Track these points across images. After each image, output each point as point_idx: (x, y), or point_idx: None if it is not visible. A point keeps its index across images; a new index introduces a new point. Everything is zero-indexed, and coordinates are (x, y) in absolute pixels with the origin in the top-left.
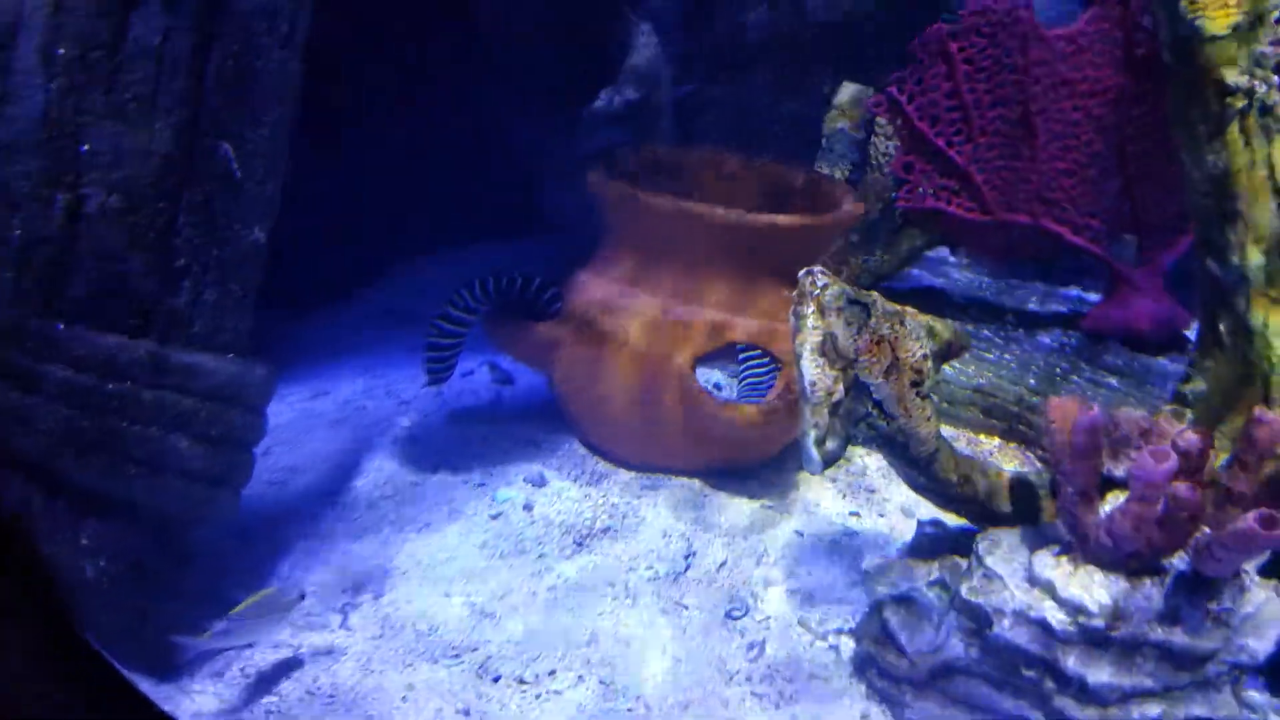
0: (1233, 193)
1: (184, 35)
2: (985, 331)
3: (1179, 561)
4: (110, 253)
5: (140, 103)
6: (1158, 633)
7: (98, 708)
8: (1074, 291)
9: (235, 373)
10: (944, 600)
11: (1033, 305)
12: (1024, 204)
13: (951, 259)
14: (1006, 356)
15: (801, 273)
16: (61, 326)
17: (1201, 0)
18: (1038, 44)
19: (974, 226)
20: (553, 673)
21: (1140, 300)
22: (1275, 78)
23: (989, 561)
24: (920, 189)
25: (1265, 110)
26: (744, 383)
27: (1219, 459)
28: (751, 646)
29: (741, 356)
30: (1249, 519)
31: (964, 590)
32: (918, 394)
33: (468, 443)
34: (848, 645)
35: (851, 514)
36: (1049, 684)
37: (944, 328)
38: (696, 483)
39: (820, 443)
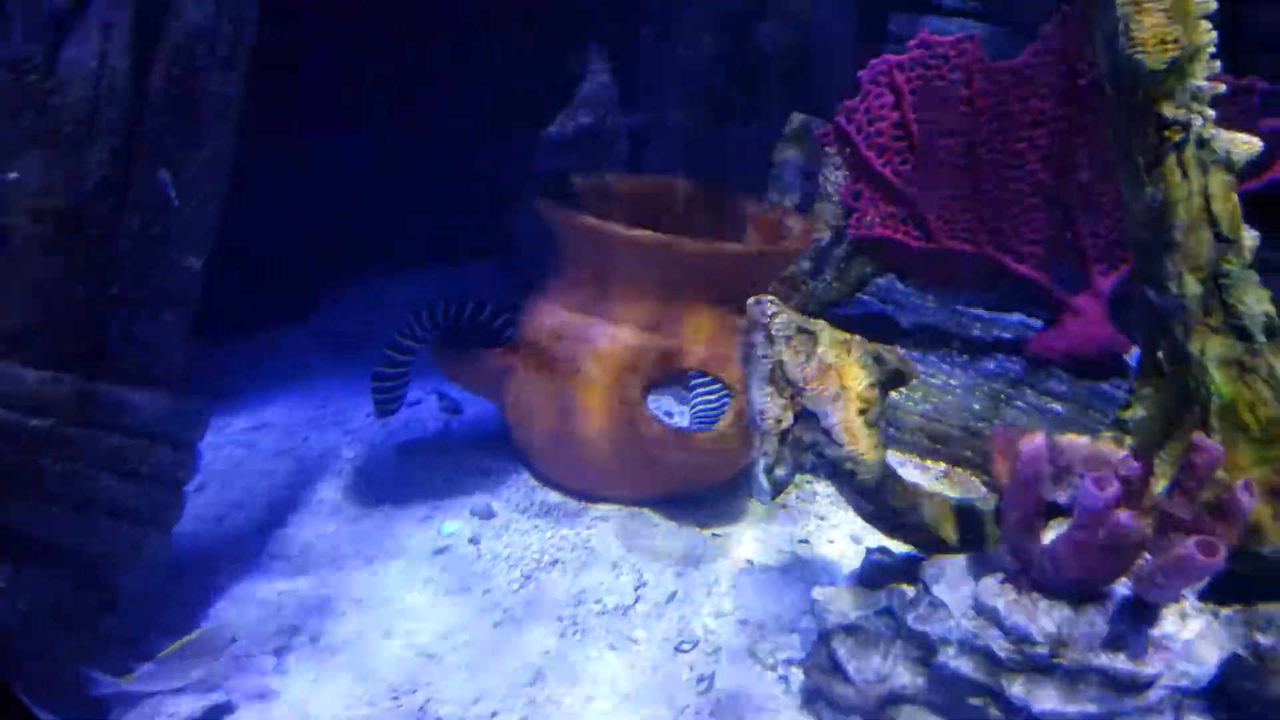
0: (1171, 223)
1: (121, 57)
2: (932, 357)
3: (1121, 588)
4: (38, 285)
5: (75, 127)
6: (1102, 659)
7: None
8: (1017, 317)
9: (167, 409)
10: (892, 628)
11: (978, 331)
12: (968, 233)
13: (899, 286)
14: (952, 382)
15: (750, 301)
16: None
17: (1140, 36)
18: (983, 76)
19: (920, 254)
20: (494, 714)
21: (1082, 326)
22: (1211, 111)
23: (935, 590)
24: (869, 217)
25: (1201, 143)
26: (695, 410)
27: (1159, 485)
28: (701, 679)
29: (692, 384)
30: (1189, 545)
31: (910, 619)
32: (865, 422)
33: (414, 474)
34: (797, 676)
35: (801, 541)
36: (995, 712)
37: (891, 356)
38: (647, 511)
39: (770, 470)
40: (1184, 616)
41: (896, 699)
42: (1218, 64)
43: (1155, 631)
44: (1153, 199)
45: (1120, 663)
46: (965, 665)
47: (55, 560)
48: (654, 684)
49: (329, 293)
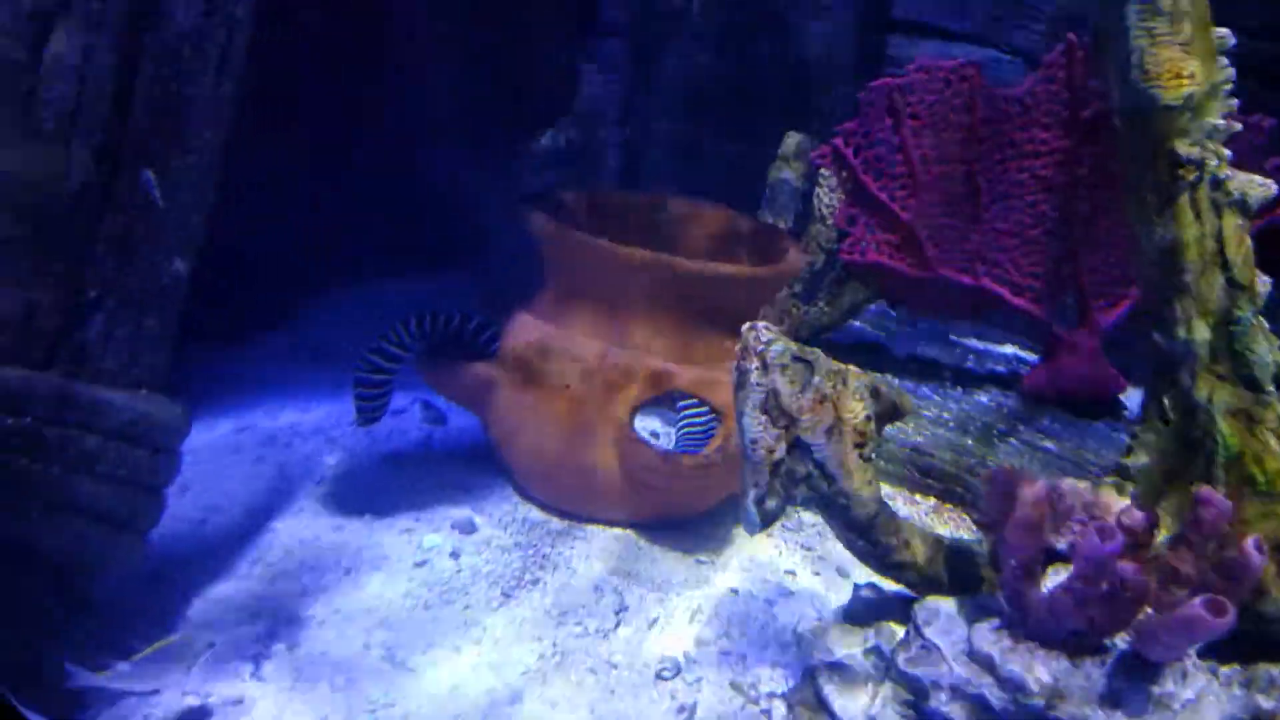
0: (1181, 266)
1: (106, 54)
2: (924, 389)
3: (1121, 642)
4: (18, 283)
5: (59, 123)
6: (1099, 714)
7: None
8: (1010, 350)
9: (146, 410)
10: (880, 668)
11: (971, 363)
12: (965, 262)
13: (891, 313)
14: (945, 415)
15: (745, 327)
16: None
17: (1155, 70)
18: (985, 103)
19: (915, 282)
20: None
21: (1078, 363)
22: (1227, 151)
23: (928, 632)
24: (863, 242)
25: (1216, 184)
26: (681, 432)
27: (1161, 534)
28: (682, 710)
29: (680, 405)
30: (1196, 605)
31: (901, 660)
32: (860, 456)
33: (395, 484)
34: (779, 710)
35: (787, 572)
36: None
37: (888, 389)
38: (631, 534)
39: (760, 502)
40: (1185, 675)
41: None
42: (1234, 102)
43: (1155, 689)
44: (1163, 239)
45: (1118, 719)
46: (957, 712)
47: (28, 562)
48: (634, 711)
49: (307, 301)
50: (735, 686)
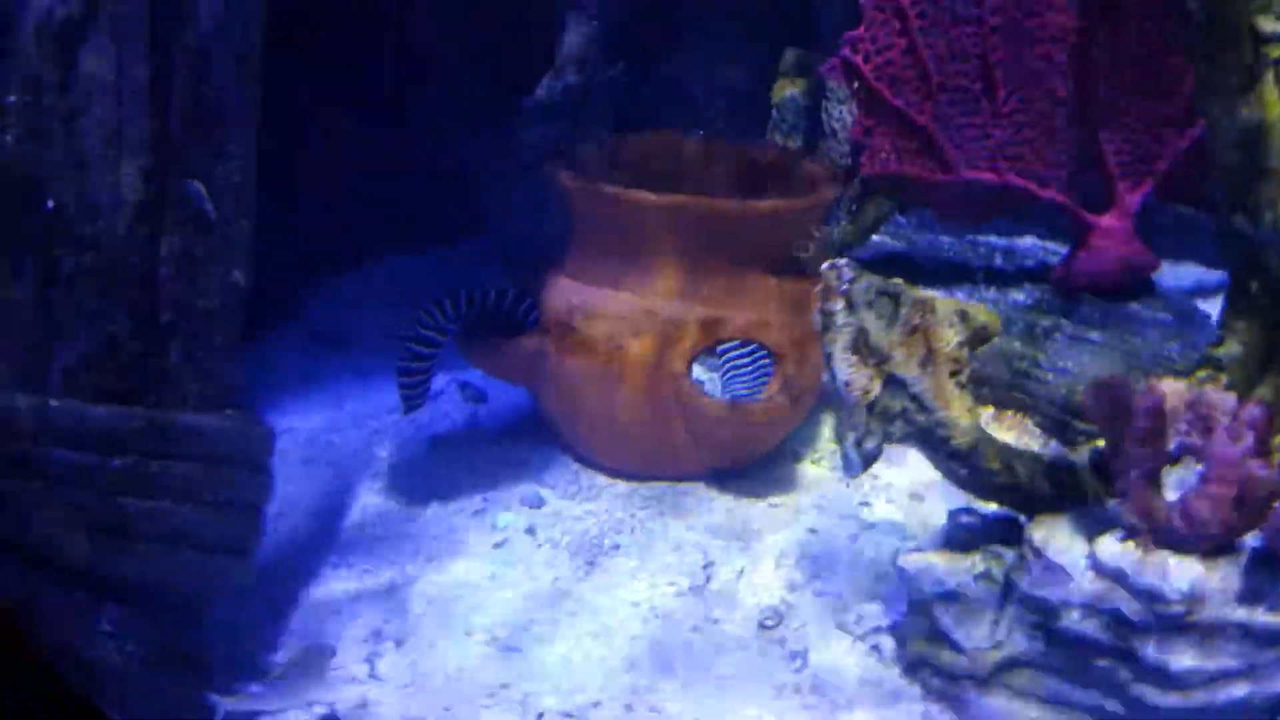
0: (1267, 147)
1: (140, 66)
2: (959, 293)
3: (1251, 539)
4: (92, 315)
5: (105, 146)
6: (1239, 613)
7: None
8: (1030, 241)
9: (238, 430)
10: (994, 593)
11: (999, 262)
12: (989, 161)
13: (902, 220)
14: None
15: (825, 266)
16: (54, 404)
17: None
18: None
19: (939, 188)
20: (597, 704)
21: (1110, 247)
22: None
23: (1048, 552)
24: (883, 154)
25: None
26: (728, 377)
27: None
28: (794, 656)
29: (721, 350)
30: None
31: (1025, 584)
32: (956, 384)
33: (453, 468)
34: (888, 644)
35: (862, 504)
36: (1124, 673)
37: (976, 311)
38: (699, 487)
39: (859, 444)
40: None
41: (1011, 664)
42: None
43: None
44: (1246, 121)
45: (1260, 615)
46: (1092, 628)
47: (154, 599)
48: (748, 664)
49: (312, 291)
50: (841, 627)
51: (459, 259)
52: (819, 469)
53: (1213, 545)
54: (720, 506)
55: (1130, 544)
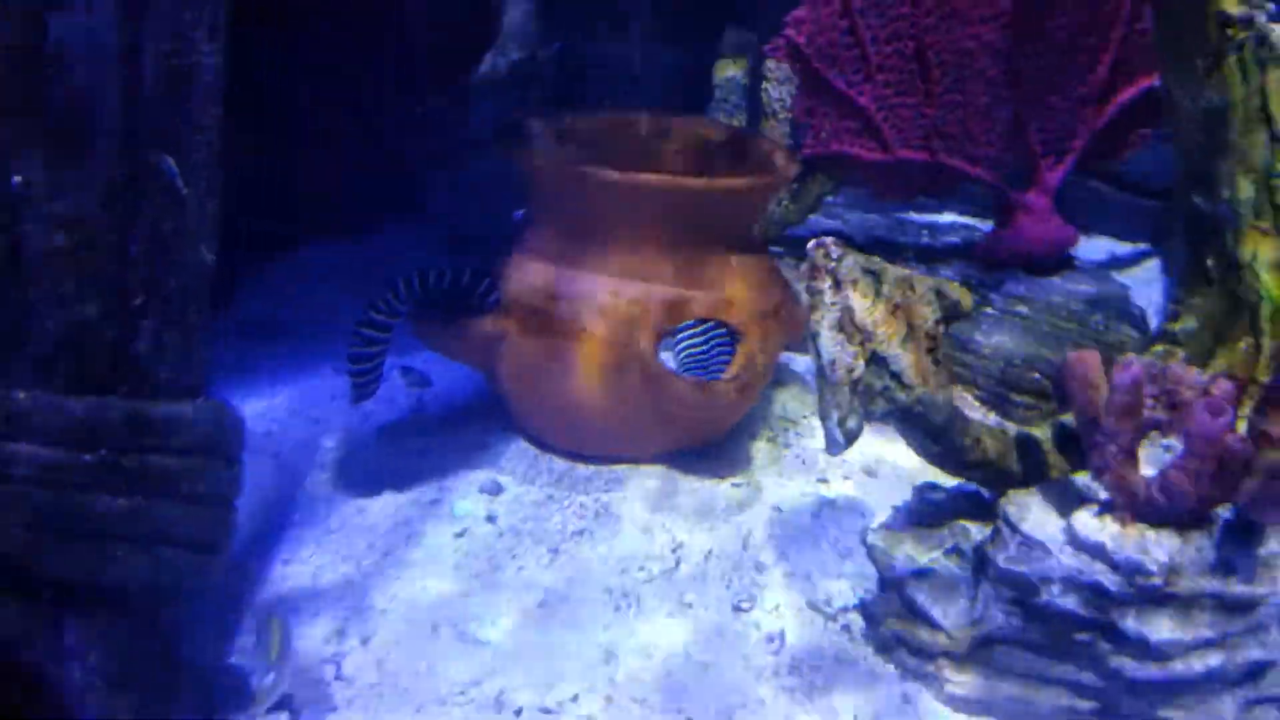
0: (1227, 125)
1: (110, 34)
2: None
3: (1224, 511)
4: (63, 299)
5: (77, 120)
6: (1214, 584)
7: None
8: (950, 218)
9: (212, 420)
10: (965, 569)
11: (926, 239)
12: (923, 140)
13: (833, 199)
14: None
15: (811, 245)
16: (22, 395)
17: None
18: None
19: (877, 167)
20: (575, 698)
21: (1033, 223)
22: (1271, 5)
23: (1024, 527)
24: (824, 133)
25: (1260, 41)
26: (683, 356)
27: None
28: (770, 639)
29: (677, 330)
30: None
31: (1001, 560)
32: (933, 360)
33: (405, 457)
34: (858, 623)
35: (819, 480)
36: (1104, 645)
37: (950, 288)
38: (660, 468)
39: (843, 423)
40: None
41: (989, 640)
42: None
43: (1262, 551)
44: (1209, 101)
45: (1234, 586)
46: (1072, 602)
47: (120, 605)
48: (725, 649)
49: (241, 277)
50: (813, 607)
51: (394, 241)
52: (775, 447)
53: (1190, 518)
54: (685, 487)
55: (1108, 518)
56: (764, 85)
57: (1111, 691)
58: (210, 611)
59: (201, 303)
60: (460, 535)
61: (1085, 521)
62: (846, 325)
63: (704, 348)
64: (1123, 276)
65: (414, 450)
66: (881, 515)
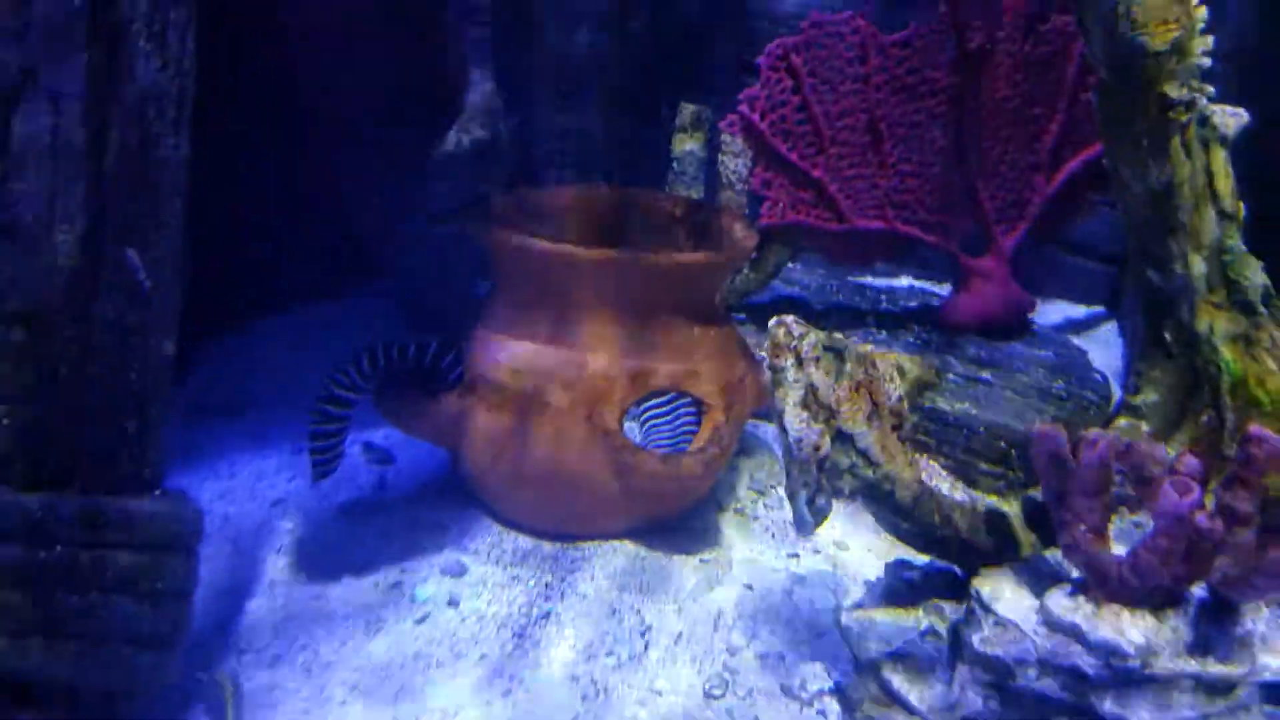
0: (1176, 204)
1: (76, 130)
2: (854, 337)
3: (1197, 590)
4: (18, 396)
5: (37, 214)
6: (1191, 664)
7: None
8: (907, 283)
9: (170, 513)
10: (942, 651)
11: (885, 304)
12: (877, 209)
13: (793, 266)
14: None
15: (773, 323)
16: None
17: (1142, 19)
18: (876, 51)
19: (832, 235)
20: None
21: (991, 289)
22: (1210, 88)
23: (998, 608)
24: (780, 204)
25: (1203, 121)
26: (648, 429)
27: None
28: None
29: (643, 402)
30: None
31: (976, 641)
32: (899, 437)
33: (366, 538)
34: (834, 708)
35: (790, 556)
36: None
37: (912, 364)
38: (628, 545)
39: (811, 502)
40: (1256, 609)
41: None
42: (1210, 39)
43: (1238, 630)
44: (1157, 181)
45: (1212, 666)
46: (1049, 685)
47: (72, 702)
48: None
49: (202, 348)
50: (787, 692)
51: (355, 313)
52: (743, 519)
53: (1162, 597)
54: (653, 565)
55: (1081, 598)
56: (721, 157)
57: None
58: (161, 707)
59: (161, 395)
60: (421, 621)
61: (1059, 601)
62: (811, 403)
63: (670, 419)
64: (1081, 340)
65: (375, 530)
66: (855, 592)
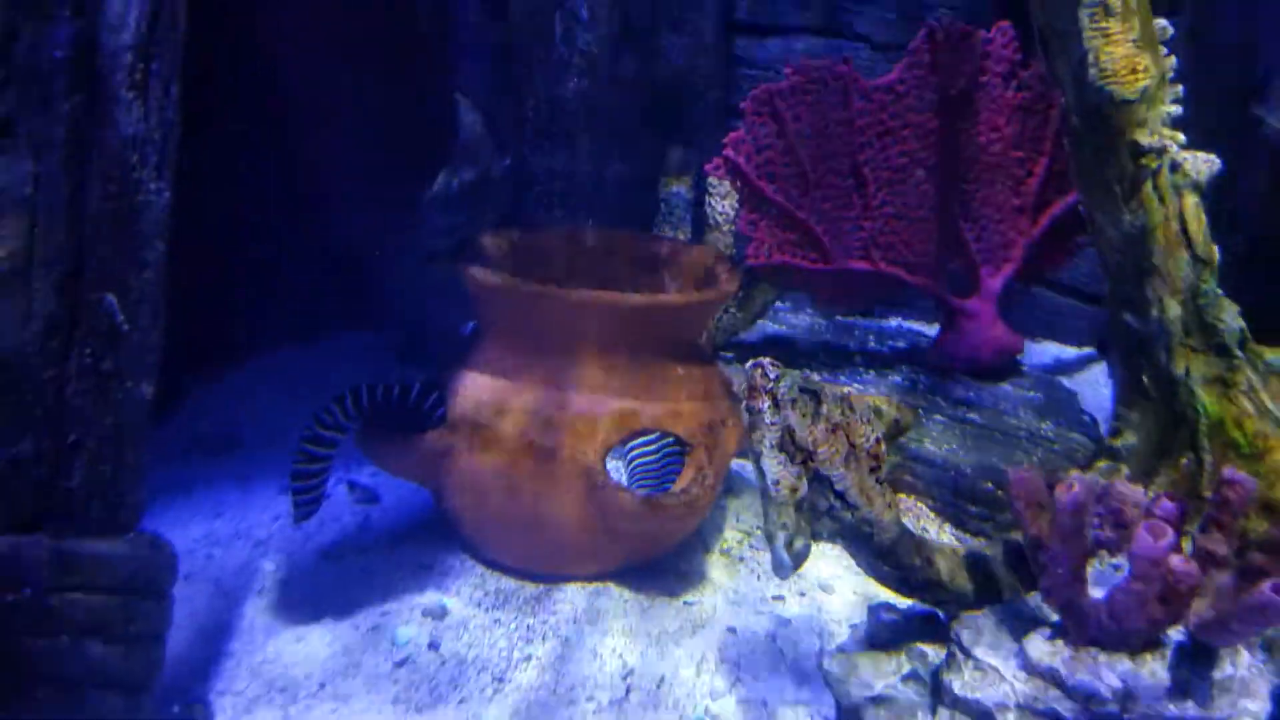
0: (1150, 249)
1: (57, 179)
2: (842, 377)
3: (1175, 634)
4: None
5: (16, 261)
6: (1171, 709)
7: None
8: (896, 323)
9: (144, 556)
10: (923, 694)
11: (873, 344)
12: (862, 250)
13: (782, 305)
14: None
15: (749, 365)
16: None
17: (1111, 68)
18: (859, 97)
19: (818, 276)
20: None
21: (978, 329)
22: (1181, 136)
23: (977, 653)
24: (766, 245)
25: (1175, 168)
26: (633, 467)
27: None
28: None
29: (628, 441)
30: (1266, 589)
31: (957, 686)
32: (876, 480)
33: (348, 579)
34: None
35: (775, 599)
36: None
37: (889, 406)
38: (611, 587)
39: (790, 544)
40: (1236, 653)
41: None
42: (1179, 88)
43: (1216, 674)
44: (1131, 227)
45: (1190, 710)
46: None
47: None
48: None
49: (192, 386)
50: None
51: (347, 352)
52: (728, 560)
53: (1140, 641)
54: (636, 607)
55: (1059, 642)
56: (708, 199)
57: None
58: None
59: (138, 438)
60: (401, 664)
61: (1037, 645)
62: (788, 445)
63: (656, 459)
64: (1070, 382)
65: (357, 571)
66: (839, 634)
